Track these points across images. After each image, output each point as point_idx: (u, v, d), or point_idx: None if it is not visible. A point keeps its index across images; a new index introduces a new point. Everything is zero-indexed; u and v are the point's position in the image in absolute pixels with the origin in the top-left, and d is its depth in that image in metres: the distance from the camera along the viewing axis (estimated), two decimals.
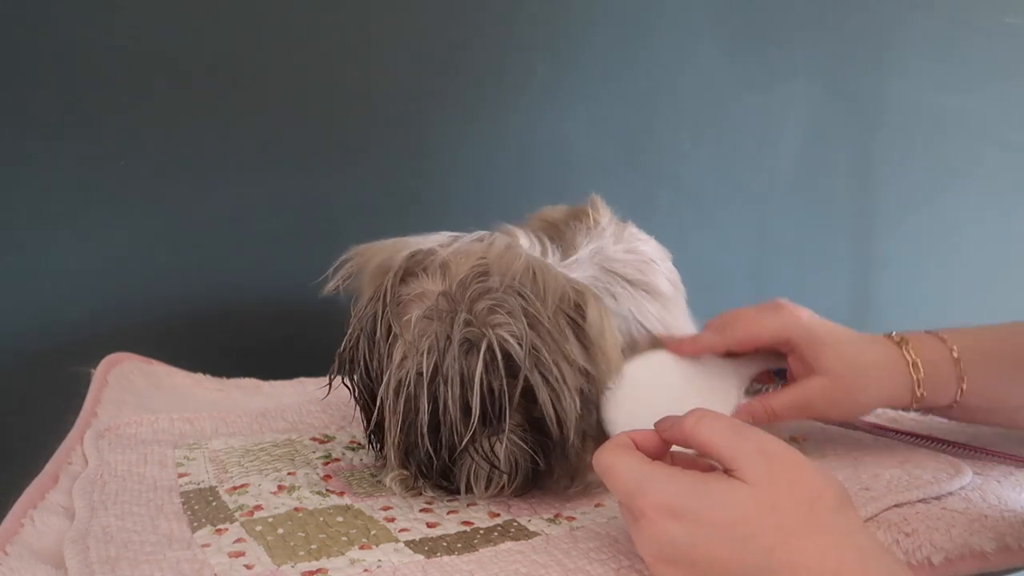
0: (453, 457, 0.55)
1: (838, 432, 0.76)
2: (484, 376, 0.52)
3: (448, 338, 0.53)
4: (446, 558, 0.48)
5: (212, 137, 0.96)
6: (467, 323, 0.53)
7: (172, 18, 0.92)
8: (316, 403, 0.77)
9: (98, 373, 0.80)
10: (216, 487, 0.57)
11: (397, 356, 0.55)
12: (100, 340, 0.88)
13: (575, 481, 0.59)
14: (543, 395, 0.53)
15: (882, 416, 0.81)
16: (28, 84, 0.88)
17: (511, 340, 0.53)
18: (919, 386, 0.63)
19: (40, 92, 0.88)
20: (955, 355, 0.64)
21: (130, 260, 0.94)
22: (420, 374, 0.54)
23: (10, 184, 0.88)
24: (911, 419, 0.80)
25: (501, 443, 0.54)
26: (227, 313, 0.97)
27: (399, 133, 1.04)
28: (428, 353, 0.53)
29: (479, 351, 0.52)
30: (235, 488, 0.57)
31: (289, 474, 0.60)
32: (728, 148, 1.24)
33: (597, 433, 0.58)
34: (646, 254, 0.79)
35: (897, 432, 0.75)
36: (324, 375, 0.91)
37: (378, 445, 0.60)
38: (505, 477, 0.55)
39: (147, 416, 0.70)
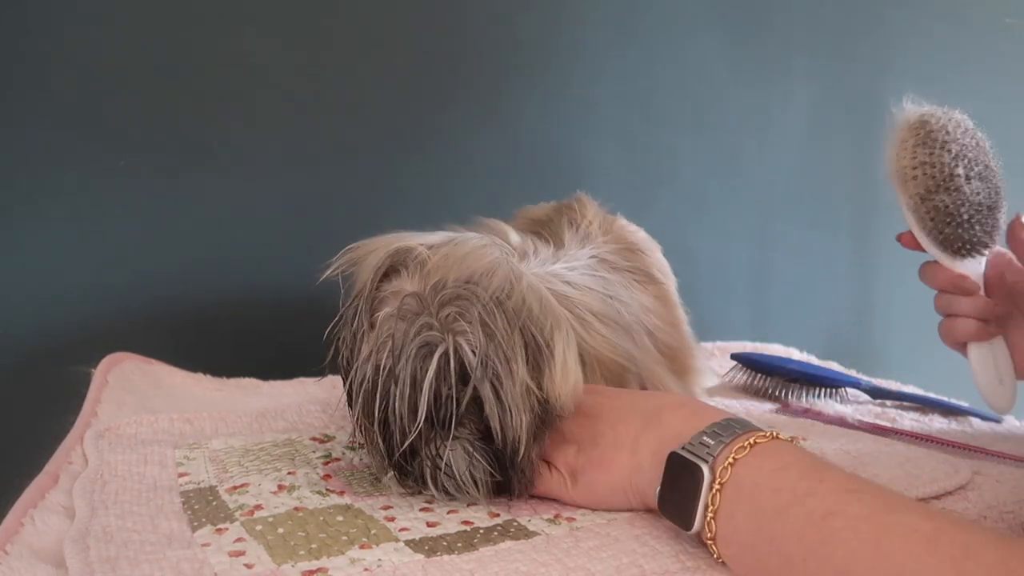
0: (407, 456, 0.55)
1: (838, 432, 0.76)
2: (434, 381, 0.53)
3: (407, 339, 0.53)
4: (446, 557, 0.48)
5: (212, 137, 0.96)
6: (429, 327, 0.53)
7: (172, 17, 0.92)
8: (316, 403, 0.77)
9: (98, 373, 0.80)
10: (216, 487, 0.57)
11: (364, 351, 0.56)
12: (100, 340, 0.87)
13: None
14: (490, 407, 0.53)
15: (883, 416, 0.82)
16: (26, 83, 0.88)
17: (466, 348, 0.53)
18: None
19: (38, 91, 0.88)
20: None
21: (130, 260, 0.94)
22: (378, 371, 0.54)
23: (9, 184, 0.88)
24: (911, 419, 0.80)
25: (453, 450, 0.55)
26: (227, 313, 0.98)
27: (398, 133, 1.04)
28: (387, 352, 0.54)
29: (433, 357, 0.53)
30: (235, 488, 0.57)
31: (289, 474, 0.60)
32: (728, 148, 1.24)
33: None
34: (635, 244, 0.79)
35: (897, 432, 0.75)
36: (324, 375, 0.91)
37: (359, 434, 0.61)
38: (461, 483, 0.55)
39: (147, 416, 0.70)
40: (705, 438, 0.48)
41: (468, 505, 0.56)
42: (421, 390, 0.52)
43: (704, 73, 1.20)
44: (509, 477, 0.56)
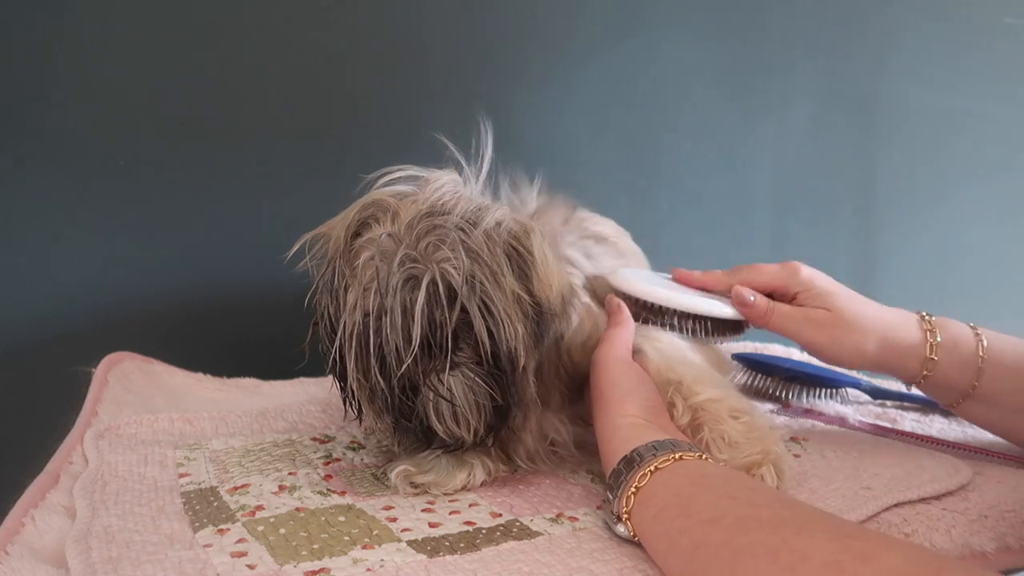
0: (408, 393, 0.56)
1: (839, 432, 0.76)
2: (426, 308, 0.54)
3: (390, 276, 0.54)
4: (448, 557, 0.48)
5: (212, 136, 0.96)
6: (411, 259, 0.55)
7: (173, 19, 0.92)
8: (316, 403, 0.77)
9: (98, 373, 0.80)
10: (217, 487, 0.57)
11: (350, 300, 0.57)
12: (100, 340, 0.87)
13: (528, 420, 0.61)
14: (479, 323, 0.55)
15: (883, 416, 0.82)
16: (27, 83, 0.87)
17: (453, 272, 0.54)
18: (932, 351, 0.65)
19: (38, 91, 0.88)
20: (983, 344, 0.65)
21: (130, 260, 0.93)
22: (367, 313, 0.55)
23: (9, 184, 0.88)
24: (911, 419, 0.80)
25: (453, 376, 0.56)
26: (227, 313, 0.97)
27: (397, 133, 1.04)
28: (374, 291, 0.55)
29: (422, 285, 0.54)
30: (236, 488, 0.57)
31: (290, 474, 0.60)
32: (729, 148, 1.24)
33: (548, 364, 0.61)
34: (600, 233, 0.79)
35: (897, 432, 0.75)
36: (324, 375, 0.91)
37: (354, 405, 0.61)
38: (464, 409, 0.56)
39: (147, 416, 0.70)
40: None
41: (470, 505, 0.56)
42: (413, 318, 0.54)
43: (706, 74, 1.20)
44: (508, 401, 0.57)
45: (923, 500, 0.59)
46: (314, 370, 0.89)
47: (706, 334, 0.70)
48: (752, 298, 0.68)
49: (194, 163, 0.95)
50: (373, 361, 0.55)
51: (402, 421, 0.58)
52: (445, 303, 0.54)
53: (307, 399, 0.79)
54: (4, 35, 0.86)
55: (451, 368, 0.56)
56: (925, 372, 0.66)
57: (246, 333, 0.98)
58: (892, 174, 1.34)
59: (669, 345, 0.66)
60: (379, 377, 0.56)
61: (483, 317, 0.55)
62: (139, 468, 0.60)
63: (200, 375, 0.89)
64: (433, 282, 0.54)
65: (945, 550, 0.53)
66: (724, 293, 0.72)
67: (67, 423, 0.69)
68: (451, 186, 0.59)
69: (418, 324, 0.54)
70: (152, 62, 0.92)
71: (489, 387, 0.56)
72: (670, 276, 0.75)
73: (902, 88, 1.33)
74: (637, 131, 1.17)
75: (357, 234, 0.59)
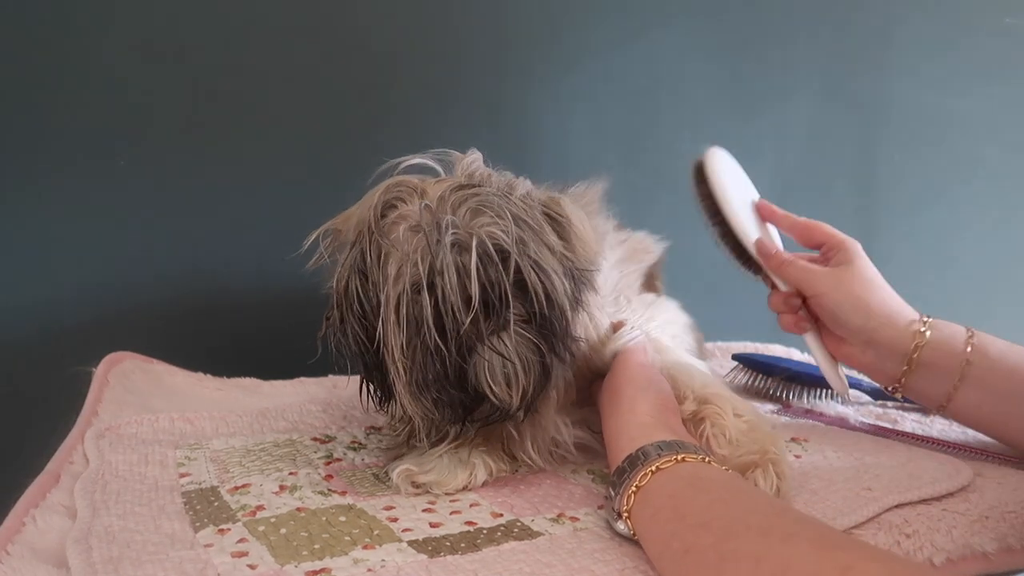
0: (463, 356, 0.56)
1: (839, 433, 0.76)
2: (480, 267, 0.54)
3: (439, 240, 0.55)
4: (449, 558, 0.48)
5: (213, 136, 0.96)
6: (454, 225, 0.55)
7: (176, 16, 0.92)
8: (317, 403, 0.77)
9: (99, 372, 0.80)
10: (218, 487, 0.57)
11: (392, 271, 0.56)
12: (100, 339, 0.87)
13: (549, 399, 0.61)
14: (532, 279, 0.56)
15: (884, 417, 0.82)
16: (27, 83, 0.87)
17: (499, 234, 0.55)
18: (923, 325, 0.69)
19: (39, 91, 0.88)
20: (972, 334, 0.67)
21: (131, 260, 0.94)
22: (416, 283, 0.55)
23: (10, 184, 0.88)
24: (912, 420, 0.80)
25: (509, 335, 0.56)
26: (228, 312, 0.97)
27: (397, 133, 1.04)
28: (419, 258, 0.55)
29: (471, 249, 0.55)
30: (237, 488, 0.57)
31: (291, 474, 0.60)
32: (728, 148, 1.24)
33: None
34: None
35: (898, 433, 0.75)
36: (325, 375, 0.91)
37: (378, 393, 0.61)
38: (518, 368, 0.56)
39: (147, 416, 0.70)
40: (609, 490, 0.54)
41: (471, 506, 0.56)
42: (470, 277, 0.54)
43: (706, 73, 1.20)
44: (551, 359, 0.58)
45: (924, 501, 0.59)
46: (317, 368, 0.89)
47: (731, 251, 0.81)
48: (774, 251, 0.76)
49: (195, 163, 0.95)
50: (431, 325, 0.55)
51: (450, 391, 0.57)
52: (499, 261, 0.55)
53: (307, 399, 0.79)
54: (4, 35, 0.86)
55: (506, 325, 0.56)
56: (916, 343, 0.68)
57: (246, 332, 0.98)
58: (892, 174, 1.34)
59: (680, 354, 0.69)
60: (438, 341, 0.55)
61: (535, 273, 0.56)
62: (140, 468, 0.60)
63: (200, 375, 0.89)
64: (481, 243, 0.55)
65: (946, 551, 0.53)
66: (789, 231, 0.80)
67: (67, 423, 0.69)
68: (480, 163, 0.61)
69: (475, 282, 0.54)
70: (152, 63, 0.92)
71: (536, 341, 0.57)
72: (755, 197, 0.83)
73: (902, 88, 1.33)
74: (637, 131, 1.17)
75: (383, 215, 0.59)
